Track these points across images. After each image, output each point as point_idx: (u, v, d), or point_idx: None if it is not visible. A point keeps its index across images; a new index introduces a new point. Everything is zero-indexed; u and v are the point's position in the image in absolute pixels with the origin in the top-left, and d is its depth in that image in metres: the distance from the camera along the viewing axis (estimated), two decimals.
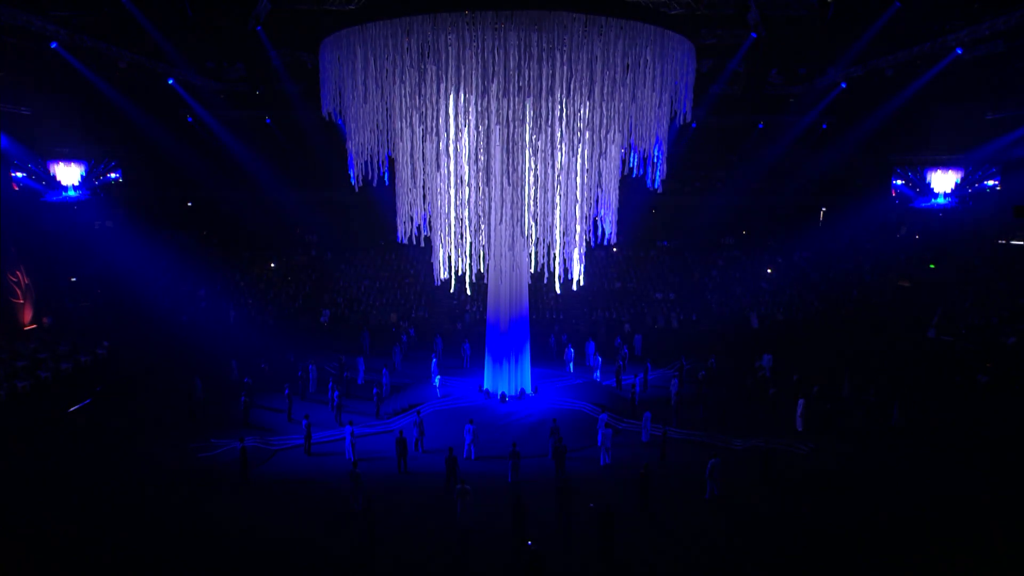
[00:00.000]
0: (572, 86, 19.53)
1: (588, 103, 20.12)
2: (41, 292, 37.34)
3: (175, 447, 21.97)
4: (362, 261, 44.23)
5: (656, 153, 22.02)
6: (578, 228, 21.80)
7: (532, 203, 21.18)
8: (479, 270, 22.74)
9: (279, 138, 42.80)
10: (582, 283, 22.81)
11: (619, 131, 21.12)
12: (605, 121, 20.58)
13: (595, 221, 22.50)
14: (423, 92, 20.02)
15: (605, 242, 23.13)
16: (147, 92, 36.51)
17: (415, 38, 19.29)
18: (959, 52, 28.55)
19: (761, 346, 31.52)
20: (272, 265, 44.12)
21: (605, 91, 19.97)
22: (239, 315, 38.42)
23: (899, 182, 43.15)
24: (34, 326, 35.88)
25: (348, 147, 22.46)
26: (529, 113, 20.06)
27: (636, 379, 27.00)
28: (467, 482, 17.32)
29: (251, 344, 33.00)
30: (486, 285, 25.54)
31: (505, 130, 20.05)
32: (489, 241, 21.67)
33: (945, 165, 41.34)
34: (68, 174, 40.65)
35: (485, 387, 25.73)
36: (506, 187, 20.57)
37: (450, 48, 19.14)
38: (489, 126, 20.14)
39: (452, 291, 24.88)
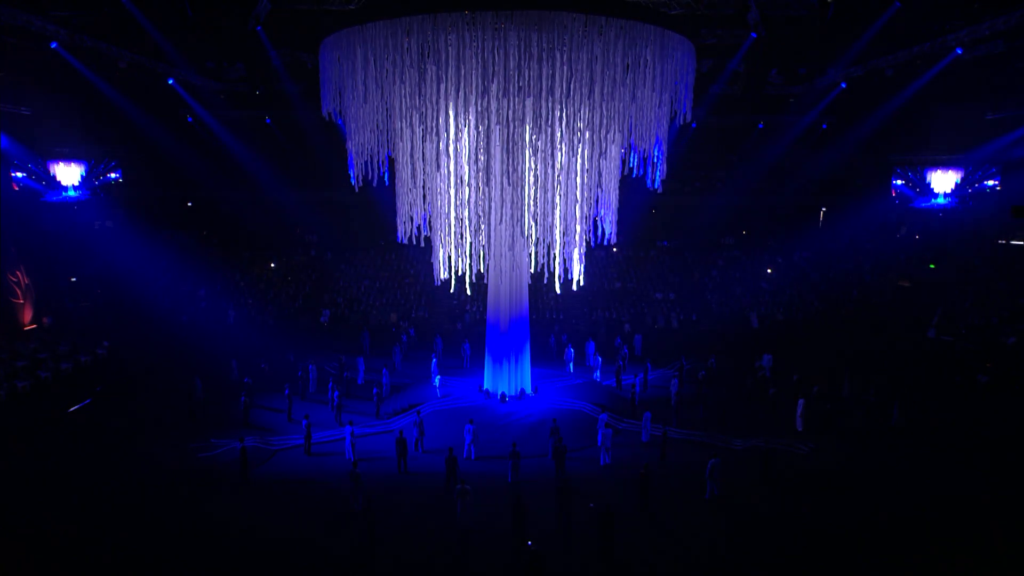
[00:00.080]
0: (572, 86, 19.53)
1: (588, 103, 20.10)
2: (41, 292, 37.36)
3: (175, 447, 21.97)
4: (362, 261, 44.23)
5: (656, 153, 22.02)
6: (578, 228, 21.81)
7: (532, 203, 21.19)
8: (479, 270, 22.75)
9: (279, 138, 42.80)
10: (582, 283, 22.82)
11: (619, 131, 21.12)
12: (605, 121, 20.58)
13: (595, 221, 22.50)
14: (423, 92, 20.01)
15: (605, 242, 23.13)
16: (147, 92, 36.50)
17: (415, 38, 19.29)
18: (959, 52, 28.54)
19: (761, 346, 31.52)
20: (272, 265, 44.12)
21: (605, 91, 19.97)
22: (239, 315, 38.43)
23: (899, 182, 43.16)
24: (34, 326, 35.89)
25: (348, 147, 22.46)
26: (529, 113, 20.07)
27: (636, 379, 27.00)
28: (467, 482, 17.32)
29: (251, 344, 33.00)
30: (486, 285, 25.53)
31: (505, 130, 20.06)
32: (489, 241, 21.68)
33: (945, 165, 41.35)
34: (68, 174, 40.66)
35: (485, 387, 25.73)
36: (506, 187, 20.57)
37: (450, 48, 19.14)
38: (489, 126, 20.14)
39: (452, 291, 24.88)
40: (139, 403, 26.21)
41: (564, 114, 20.04)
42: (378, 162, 21.91)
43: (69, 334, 34.15)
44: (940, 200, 41.75)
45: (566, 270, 22.33)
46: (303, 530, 16.96)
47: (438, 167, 21.18)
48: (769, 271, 43.09)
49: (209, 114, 39.55)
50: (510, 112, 19.88)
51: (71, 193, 40.66)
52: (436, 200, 21.83)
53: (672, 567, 15.71)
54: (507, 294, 24.55)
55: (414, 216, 22.09)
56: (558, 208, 21.63)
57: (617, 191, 22.79)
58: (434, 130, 20.60)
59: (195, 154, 42.04)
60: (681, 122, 22.61)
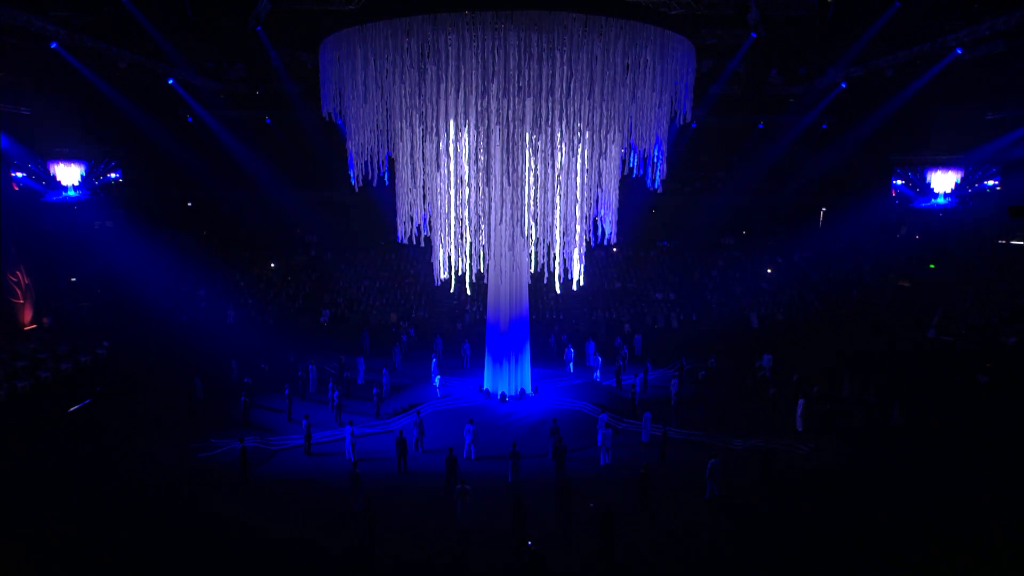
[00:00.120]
0: (572, 86, 19.53)
1: (588, 103, 20.09)
2: (41, 292, 37.36)
3: (175, 447, 21.97)
4: (362, 261, 44.23)
5: (656, 153, 22.02)
6: (578, 228, 21.81)
7: (532, 203, 21.19)
8: (479, 270, 22.75)
9: (279, 138, 42.81)
10: (582, 283, 22.82)
11: (619, 131, 21.12)
12: (605, 121, 20.57)
13: (595, 221, 22.50)
14: (423, 92, 20.02)
15: (605, 242, 23.13)
16: (147, 92, 36.51)
17: (415, 38, 19.29)
18: (959, 52, 28.55)
19: (761, 346, 31.52)
20: (272, 265, 44.13)
21: (605, 91, 19.97)
22: (239, 315, 38.44)
23: (899, 182, 43.16)
24: (34, 326, 35.89)
25: (348, 147, 22.46)
26: (529, 113, 20.07)
27: (636, 379, 27.00)
28: (467, 482, 17.32)
29: (251, 344, 33.01)
30: (486, 285, 25.53)
31: (505, 130, 20.05)
32: (489, 241, 21.68)
33: (945, 165, 41.35)
34: (68, 174, 40.65)
35: (485, 387, 25.73)
36: (506, 187, 20.57)
37: (450, 48, 19.14)
38: (489, 126, 20.13)
39: (452, 291, 24.87)
40: (139, 403, 26.21)
41: (564, 114, 20.02)
42: (378, 162, 21.91)
43: (69, 334, 34.15)
44: (940, 200, 41.76)
45: (566, 270, 22.33)
46: (303, 530, 16.96)
47: (438, 167, 21.19)
48: (769, 271, 43.09)
49: (209, 114, 39.56)
50: (510, 112, 19.87)
51: (71, 193, 40.65)
52: (436, 200, 21.83)
53: (672, 567, 15.71)
54: (507, 294, 24.54)
55: (414, 216, 22.09)
56: (558, 208, 21.63)
57: (617, 191, 22.79)
58: (434, 130, 20.59)
59: (195, 154, 42.04)
60: (681, 122, 22.60)
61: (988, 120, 37.97)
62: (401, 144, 21.15)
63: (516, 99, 19.72)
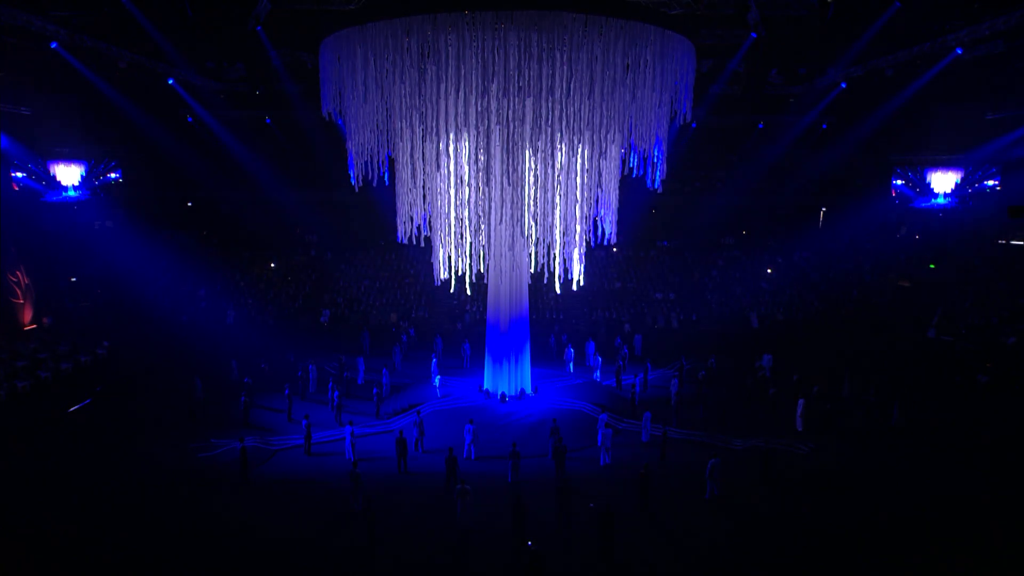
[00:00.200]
0: (572, 86, 19.54)
1: (588, 103, 20.09)
2: (41, 292, 37.36)
3: (175, 447, 21.97)
4: (362, 261, 44.23)
5: (656, 153, 22.02)
6: (578, 228, 21.81)
7: (532, 203, 21.19)
8: (479, 270, 22.76)
9: (279, 138, 42.80)
10: (582, 283, 22.82)
11: (619, 131, 21.11)
12: (605, 121, 20.57)
13: (595, 221, 22.50)
14: (423, 92, 20.02)
15: (605, 242, 23.13)
16: (147, 92, 36.50)
17: (415, 38, 19.29)
18: (959, 52, 28.54)
19: (761, 346, 31.52)
20: (272, 265, 44.12)
21: (605, 91, 19.97)
22: (239, 315, 38.44)
23: (899, 182, 43.16)
24: (34, 326, 35.89)
25: (348, 147, 22.46)
26: (529, 113, 20.06)
27: (636, 379, 27.00)
28: (467, 482, 17.32)
29: (251, 344, 33.00)
30: (486, 285, 25.53)
31: (505, 130, 20.05)
32: (489, 241, 21.68)
33: (945, 165, 41.35)
34: (68, 174, 40.64)
35: (485, 387, 25.73)
36: (506, 187, 20.57)
37: (450, 48, 19.14)
38: (489, 126, 20.13)
39: (452, 291, 24.87)
40: (139, 403, 26.21)
41: (564, 114, 20.03)
42: (378, 162, 21.90)
43: (69, 334, 34.15)
44: (940, 200, 41.75)
45: (566, 270, 22.33)
46: (303, 530, 16.96)
47: (438, 167, 21.19)
48: (769, 271, 43.09)
49: (209, 114, 39.55)
50: (510, 112, 19.87)
51: (71, 193, 40.64)
52: (436, 200, 21.84)
53: (672, 567, 15.72)
54: (507, 294, 24.54)
55: (414, 216, 22.09)
56: (558, 208, 21.64)
57: (617, 191, 22.79)
58: (434, 130, 20.59)
59: (195, 154, 42.04)
60: (681, 122, 22.60)
61: (988, 120, 37.96)
62: (401, 144, 21.14)
63: (516, 99, 19.72)
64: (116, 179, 43.33)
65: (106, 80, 33.71)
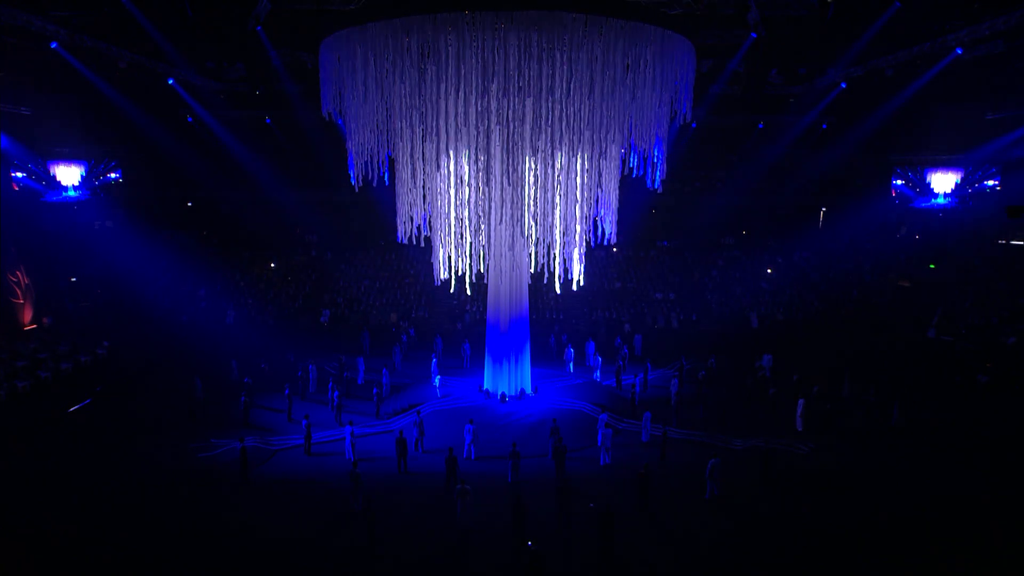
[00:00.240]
0: (572, 86, 19.53)
1: (588, 103, 20.09)
2: (41, 292, 37.36)
3: (175, 447, 21.97)
4: (362, 261, 44.23)
5: (656, 153, 22.01)
6: (578, 228, 21.81)
7: (532, 203, 21.19)
8: (479, 270, 22.75)
9: (279, 138, 42.80)
10: (582, 283, 22.82)
11: (619, 131, 21.10)
12: (605, 121, 20.57)
13: (595, 221, 22.49)
14: (423, 92, 20.02)
15: (605, 242, 23.12)
16: (147, 92, 36.49)
17: (415, 38, 19.29)
18: (959, 52, 28.53)
19: (761, 346, 31.52)
20: (272, 265, 44.12)
21: (605, 91, 19.97)
22: (239, 315, 38.44)
23: (899, 182, 43.15)
24: (34, 326, 35.88)
25: (348, 147, 22.46)
26: (529, 113, 20.06)
27: (636, 379, 26.99)
28: (467, 482, 17.32)
29: (251, 344, 33.00)
30: (486, 285, 25.53)
31: (505, 130, 20.05)
32: (489, 241, 21.68)
33: (945, 165, 41.34)
34: (68, 174, 40.63)
35: (485, 387, 25.73)
36: (506, 187, 20.57)
37: (450, 48, 19.13)
38: (489, 126, 20.13)
39: (452, 291, 24.87)
40: (139, 403, 26.22)
41: (564, 114, 20.03)
42: (378, 162, 21.90)
43: (69, 334, 34.16)
44: (940, 200, 41.73)
45: (566, 270, 22.33)
46: (303, 530, 16.96)
47: (438, 167, 21.18)
48: (769, 271, 43.09)
49: (209, 114, 39.53)
50: (510, 112, 19.87)
51: (71, 193, 40.63)
52: (436, 200, 21.84)
53: (672, 567, 15.72)
54: (507, 294, 24.54)
55: (414, 216, 22.09)
56: (558, 208, 21.64)
57: (617, 191, 22.77)
58: (434, 130, 20.58)
59: (195, 154, 42.03)
60: (681, 122, 22.60)
61: (988, 120, 37.95)
62: (401, 144, 21.14)
63: (516, 99, 19.72)
64: (116, 179, 43.32)
65: (106, 80, 33.70)
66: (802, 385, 25.86)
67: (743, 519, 17.64)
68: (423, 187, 21.56)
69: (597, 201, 22.08)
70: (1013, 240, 40.93)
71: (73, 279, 40.83)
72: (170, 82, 35.20)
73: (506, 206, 20.79)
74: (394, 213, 22.64)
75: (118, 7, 27.13)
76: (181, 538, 16.62)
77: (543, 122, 20.05)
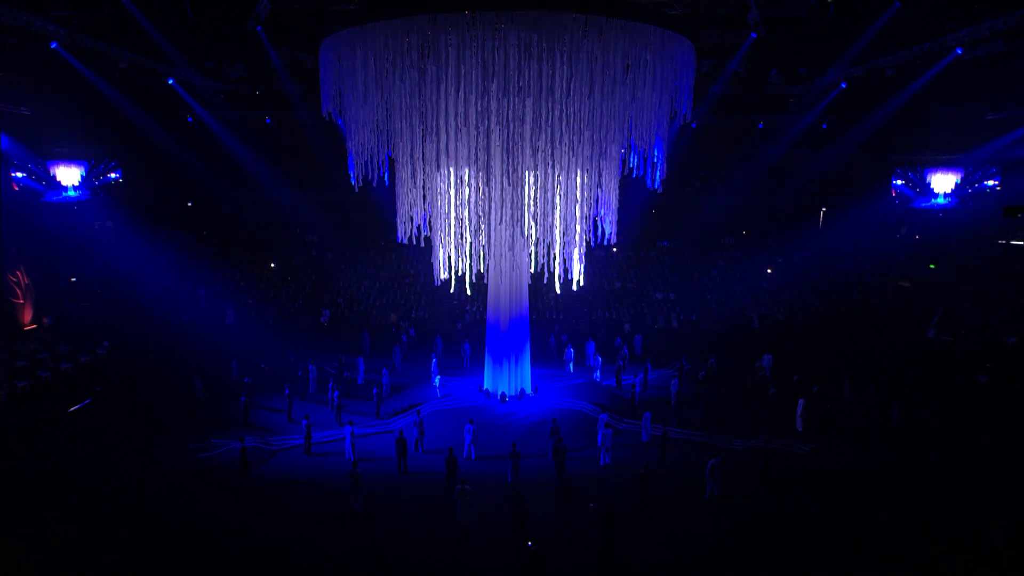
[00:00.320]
0: (572, 86, 19.52)
1: (588, 103, 20.08)
2: (41, 292, 37.34)
3: (175, 447, 21.97)
4: (362, 261, 44.24)
5: (656, 153, 22.01)
6: (578, 228, 21.81)
7: (532, 203, 21.19)
8: (479, 270, 22.75)
9: (279, 138, 42.79)
10: (582, 283, 22.82)
11: (619, 131, 21.09)
12: (605, 121, 20.56)
13: (595, 221, 22.49)
14: (423, 92, 20.01)
15: (605, 242, 23.11)
16: (147, 92, 36.48)
17: (415, 38, 19.28)
18: (959, 52, 28.52)
19: (761, 346, 31.52)
20: (272, 265, 44.12)
21: (605, 91, 19.96)
22: (239, 315, 38.44)
23: (899, 182, 43.14)
24: (34, 326, 35.87)
25: (348, 147, 22.45)
26: (529, 113, 20.05)
27: (636, 379, 27.00)
28: (467, 482, 17.30)
29: (251, 344, 33.00)
30: (486, 285, 25.53)
31: (505, 130, 20.04)
32: (489, 241, 21.68)
33: (945, 165, 41.32)
34: (68, 174, 40.61)
35: (485, 387, 25.73)
36: (506, 187, 20.57)
37: (450, 48, 19.13)
38: (489, 126, 20.13)
39: (452, 291, 24.87)
40: (139, 403, 26.22)
41: (564, 114, 20.02)
42: (378, 162, 21.90)
43: (69, 334, 34.15)
44: (940, 200, 41.71)
45: (566, 270, 22.33)
46: (303, 530, 16.96)
47: (438, 167, 21.17)
48: (769, 271, 43.09)
49: (209, 114, 39.52)
50: (510, 112, 19.86)
51: (71, 193, 40.62)
52: (436, 200, 21.84)
53: (672, 567, 15.72)
54: (507, 294, 24.55)
55: (414, 216, 22.09)
56: (558, 208, 21.64)
57: (617, 191, 22.76)
58: (434, 130, 20.57)
59: (195, 154, 42.02)
60: (681, 122, 22.61)
61: (988, 120, 37.91)
62: (401, 144, 21.12)
63: (516, 99, 19.70)
64: (116, 179, 43.31)
65: (106, 80, 33.68)
66: (802, 385, 25.87)
67: (743, 519, 17.64)
68: (423, 187, 21.56)
69: (597, 201, 22.07)
70: (1013, 240, 40.90)
71: (73, 279, 40.82)
72: (170, 82, 35.18)
73: (506, 206, 20.79)
74: (394, 213, 22.63)
75: (118, 7, 27.13)
76: (181, 538, 16.62)
77: (543, 122, 20.04)
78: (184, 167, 42.28)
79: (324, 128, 32.61)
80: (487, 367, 25.88)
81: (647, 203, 38.18)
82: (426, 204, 21.85)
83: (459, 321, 37.42)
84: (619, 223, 23.30)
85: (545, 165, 20.73)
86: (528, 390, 25.68)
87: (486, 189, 20.86)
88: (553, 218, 21.64)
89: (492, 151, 20.40)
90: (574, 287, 22.82)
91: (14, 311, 35.15)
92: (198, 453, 21.59)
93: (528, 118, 20.08)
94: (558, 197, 21.45)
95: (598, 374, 29.27)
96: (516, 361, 25.38)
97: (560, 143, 20.44)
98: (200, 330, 36.06)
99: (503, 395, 25.00)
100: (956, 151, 40.71)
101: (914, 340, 34.67)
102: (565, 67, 19.18)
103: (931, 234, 44.39)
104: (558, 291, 23.39)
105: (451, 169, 21.45)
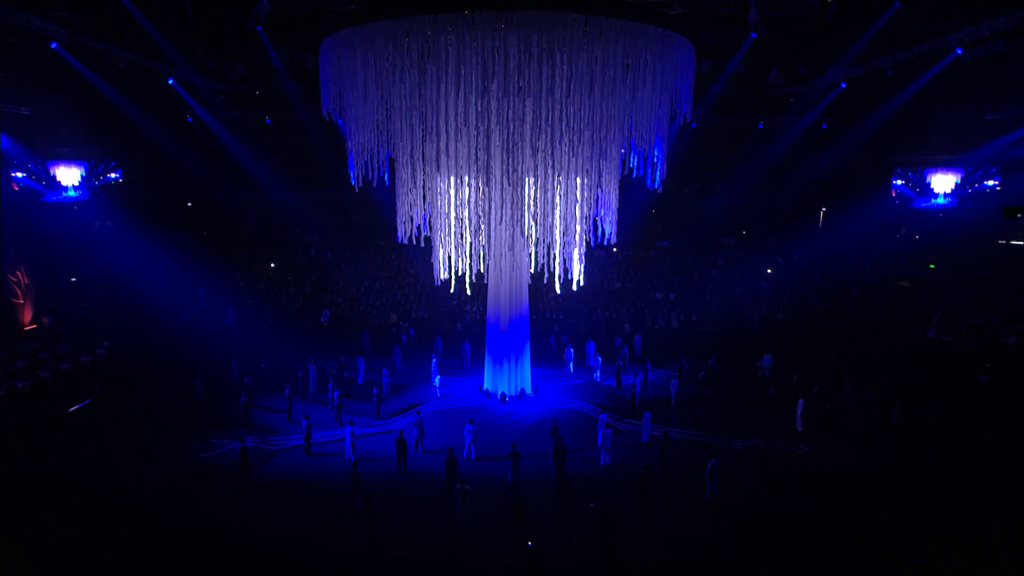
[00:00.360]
0: (572, 86, 19.51)
1: (588, 103, 20.08)
2: (41, 292, 37.34)
3: (175, 447, 21.97)
4: (362, 261, 44.24)
5: (656, 153, 22.01)
6: (578, 228, 21.81)
7: (532, 203, 21.19)
8: (479, 270, 22.75)
9: (279, 138, 42.80)
10: (582, 283, 22.82)
11: (619, 131, 21.10)
12: (605, 121, 20.56)
13: (595, 221, 22.49)
14: (423, 92, 20.01)
15: (605, 242, 23.11)
16: (147, 92, 36.49)
17: (415, 38, 19.28)
18: (959, 52, 28.53)
19: (761, 346, 31.52)
20: (272, 265, 44.12)
21: (605, 91, 19.97)
22: (239, 315, 38.44)
23: (899, 182, 43.14)
24: (34, 326, 35.87)
25: (348, 147, 22.45)
26: (529, 113, 20.05)
27: (636, 379, 27.00)
28: (467, 482, 17.31)
29: (251, 344, 33.00)
30: (486, 285, 25.53)
31: (505, 130, 20.04)
32: (489, 241, 21.68)
33: (945, 165, 41.31)
34: (68, 174, 40.61)
35: (485, 387, 25.73)
36: (506, 187, 20.57)
37: (450, 48, 19.12)
38: (489, 126, 20.12)
39: (452, 291, 24.87)
40: (139, 403, 26.22)
41: (564, 114, 20.02)
42: (378, 162, 21.89)
43: (69, 334, 34.15)
44: (940, 200, 41.70)
45: (566, 270, 22.33)
46: (303, 530, 16.96)
47: (438, 167, 21.18)
48: (769, 271, 43.09)
49: (209, 114, 39.54)
50: (510, 112, 19.86)
51: (71, 193, 40.62)
52: (436, 200, 21.85)
53: (672, 567, 15.72)
54: (507, 294, 24.55)
55: (414, 216, 22.09)
56: (558, 208, 21.64)
57: (617, 191, 22.77)
58: (434, 130, 20.57)
59: (195, 154, 42.04)
60: (681, 122, 22.61)
61: (988, 120, 37.91)
62: (401, 144, 21.12)
63: (516, 99, 19.71)
64: (116, 179, 43.32)
65: (106, 80, 33.69)
66: (802, 385, 25.87)
67: (743, 519, 17.64)
68: (423, 187, 21.56)
69: (597, 201, 22.07)
70: (1013, 240, 40.90)
71: (73, 279, 40.82)
72: (170, 82, 35.20)
73: (506, 206, 20.79)
74: (394, 213, 22.63)
75: (118, 7, 27.14)
76: (181, 538, 16.62)
77: (543, 122, 20.04)
78: (184, 167, 42.29)
79: (324, 128, 32.62)
80: (487, 367, 25.88)
81: (647, 203, 38.18)
82: (426, 204, 21.85)
83: (459, 321, 37.42)
84: (619, 223, 23.30)
85: (545, 165, 20.72)
86: (528, 390, 25.68)
87: (486, 189, 20.86)
88: (553, 218, 21.64)
89: (492, 151, 20.40)
90: (574, 287, 22.82)
91: (14, 311, 35.15)
92: (198, 453, 21.59)
93: (528, 118, 20.08)
94: (558, 197, 21.45)
95: (598, 374, 29.27)
96: (516, 361, 25.38)
97: (560, 143, 20.44)
98: (200, 330, 36.06)
99: (503, 395, 25.01)
100: (956, 151, 40.71)
101: (914, 340, 34.67)
102: (565, 67, 19.17)
103: (931, 234, 44.39)
104: (558, 291, 23.39)
105: (451, 169, 21.43)
